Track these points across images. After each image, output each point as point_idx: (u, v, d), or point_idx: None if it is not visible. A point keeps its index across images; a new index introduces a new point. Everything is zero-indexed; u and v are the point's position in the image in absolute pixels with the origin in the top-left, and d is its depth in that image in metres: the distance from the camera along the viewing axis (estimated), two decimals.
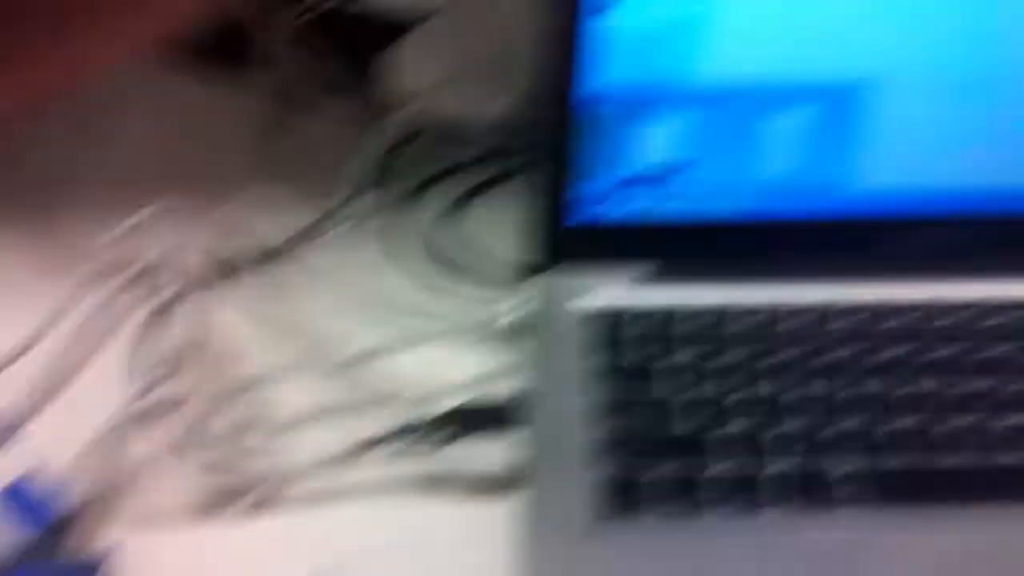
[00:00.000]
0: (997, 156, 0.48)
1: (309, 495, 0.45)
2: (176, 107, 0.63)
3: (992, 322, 0.47)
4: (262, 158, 0.62)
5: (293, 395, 0.48)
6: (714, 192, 0.49)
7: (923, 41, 0.46)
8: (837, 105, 0.47)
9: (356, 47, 0.64)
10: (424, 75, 0.61)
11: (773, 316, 0.48)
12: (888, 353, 0.46)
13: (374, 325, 0.52)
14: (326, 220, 0.56)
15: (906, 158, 0.48)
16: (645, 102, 0.47)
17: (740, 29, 0.46)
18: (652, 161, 0.48)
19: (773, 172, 0.49)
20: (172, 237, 0.53)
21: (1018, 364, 0.46)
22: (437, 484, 0.45)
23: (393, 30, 0.65)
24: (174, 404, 0.47)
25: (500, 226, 0.55)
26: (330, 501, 0.45)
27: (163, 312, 0.52)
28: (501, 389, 0.47)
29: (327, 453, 0.46)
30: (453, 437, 0.45)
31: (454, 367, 0.49)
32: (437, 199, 0.59)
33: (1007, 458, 0.42)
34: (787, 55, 0.46)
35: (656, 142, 0.48)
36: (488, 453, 0.44)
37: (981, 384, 0.45)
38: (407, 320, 0.52)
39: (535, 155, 0.48)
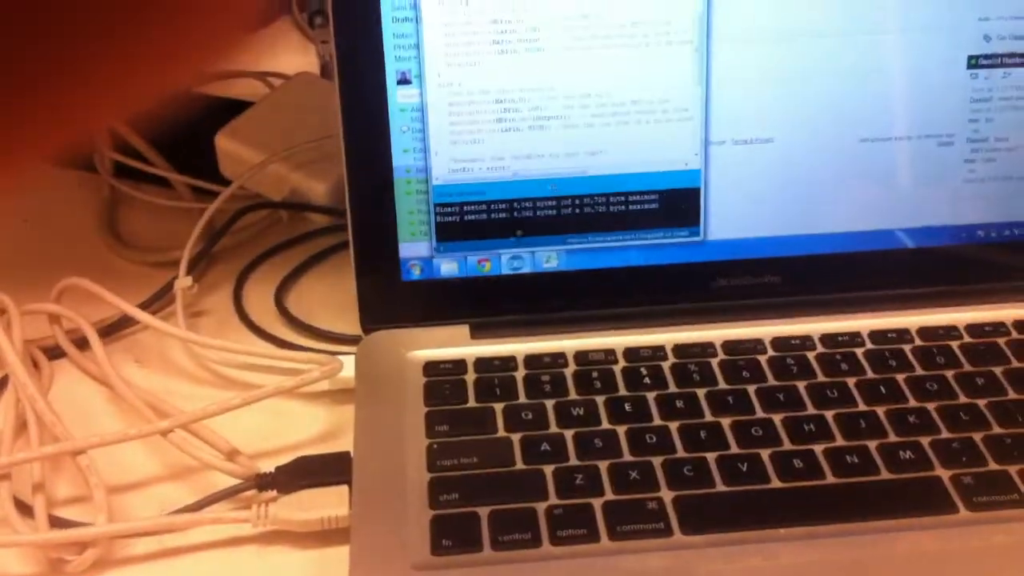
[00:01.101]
0: (800, 207, 0.53)
1: (149, 553, 0.45)
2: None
3: (816, 352, 0.50)
4: (104, 230, 0.63)
5: (133, 455, 0.48)
6: (538, 246, 0.52)
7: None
8: (635, 163, 0.51)
9: (195, 124, 0.66)
10: (262, 149, 0.63)
11: (606, 358, 0.50)
12: (718, 386, 0.48)
13: (218, 383, 0.53)
14: (167, 290, 0.57)
15: (729, 213, 0.52)
16: (455, 169, 0.50)
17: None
18: (473, 222, 0.51)
19: (587, 230, 0.52)
20: (13, 306, 0.53)
21: (841, 393, 0.48)
22: (278, 536, 0.45)
23: (230, 108, 0.67)
24: (8, 471, 0.46)
25: (341, 287, 0.57)
26: (170, 558, 0.44)
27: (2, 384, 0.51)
28: (341, 442, 0.48)
29: (167, 510, 0.45)
30: (294, 489, 0.46)
31: (295, 422, 0.50)
32: (280, 266, 0.60)
33: (831, 479, 0.44)
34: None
35: (472, 206, 0.51)
36: (329, 503, 0.45)
37: (805, 412, 0.47)
38: (250, 378, 0.53)
39: (359, 223, 0.50)
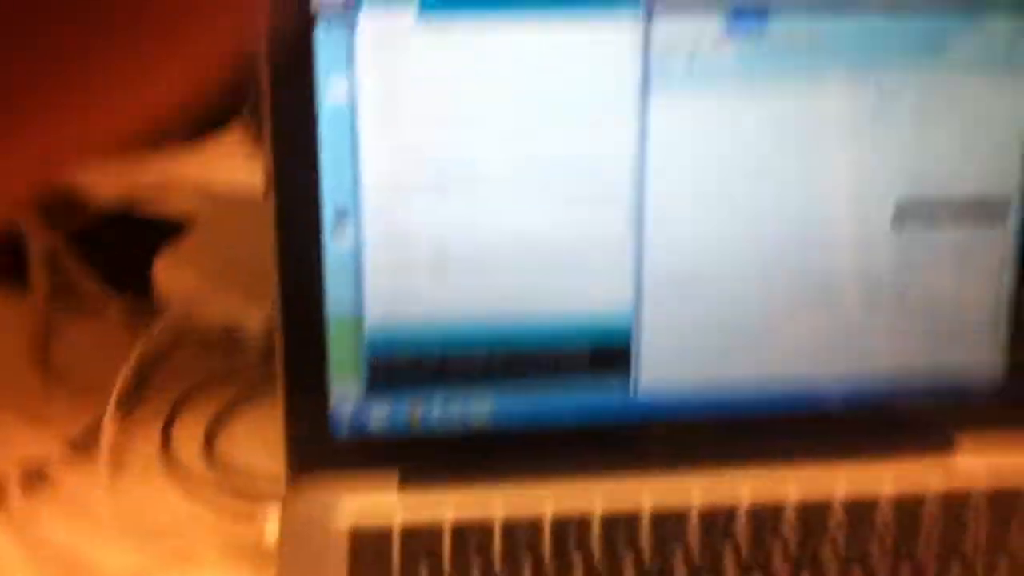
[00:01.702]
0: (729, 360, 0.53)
1: None
2: None
3: (742, 521, 0.51)
4: (34, 357, 0.62)
5: None
6: (468, 402, 0.52)
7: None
8: (567, 307, 0.51)
9: (130, 250, 0.66)
10: (196, 279, 0.62)
11: (533, 525, 0.50)
12: (643, 559, 0.48)
13: (142, 536, 0.52)
14: (96, 430, 0.56)
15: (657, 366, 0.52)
16: (390, 317, 0.50)
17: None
18: (406, 374, 0.51)
19: (518, 391, 0.52)
20: None
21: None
22: None
23: (166, 234, 0.66)
24: None
25: (270, 429, 0.57)
26: None
27: None
28: None
29: None
30: None
31: None
32: (213, 400, 0.60)
33: None
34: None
35: (406, 356, 0.51)
36: None
37: None
38: (172, 536, 0.52)
39: (290, 362, 0.50)
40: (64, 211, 0.66)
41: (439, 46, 0.47)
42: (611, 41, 0.48)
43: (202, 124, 0.76)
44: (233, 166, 0.78)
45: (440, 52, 0.47)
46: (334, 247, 0.49)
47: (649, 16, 0.48)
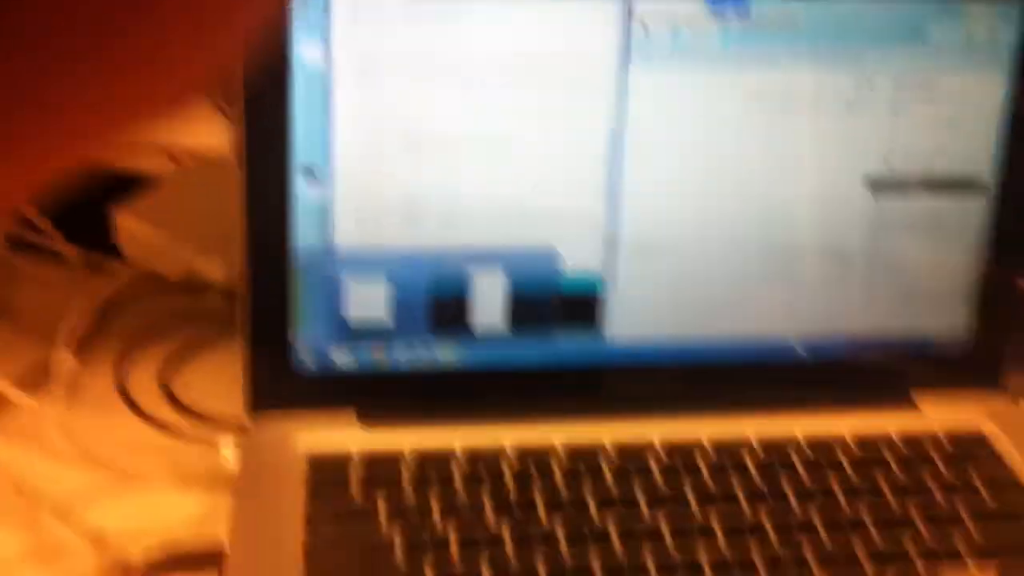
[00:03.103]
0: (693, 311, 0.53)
1: None
2: None
3: (706, 458, 0.50)
4: None
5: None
6: (431, 340, 0.51)
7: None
8: (539, 264, 0.51)
9: (92, 196, 0.65)
10: (163, 228, 0.62)
11: (495, 457, 0.49)
12: (607, 489, 0.48)
13: (93, 466, 0.51)
14: (52, 361, 0.55)
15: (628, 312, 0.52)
16: (357, 262, 0.50)
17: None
18: (370, 311, 0.50)
19: (483, 326, 0.52)
20: None
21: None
22: None
23: (131, 182, 0.66)
24: None
25: (230, 371, 0.56)
26: None
27: None
28: (218, 533, 0.47)
29: None
30: None
31: (170, 510, 0.48)
32: (169, 347, 0.59)
33: None
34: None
35: (371, 300, 0.50)
36: None
37: (694, 523, 0.47)
38: (127, 462, 0.51)
39: (253, 308, 0.49)
40: None
41: (416, 8, 0.47)
42: (593, 11, 0.48)
43: None
44: (198, 128, 0.78)
45: (417, 14, 0.47)
46: (302, 198, 0.48)
47: None
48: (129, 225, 0.63)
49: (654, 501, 0.48)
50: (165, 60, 0.17)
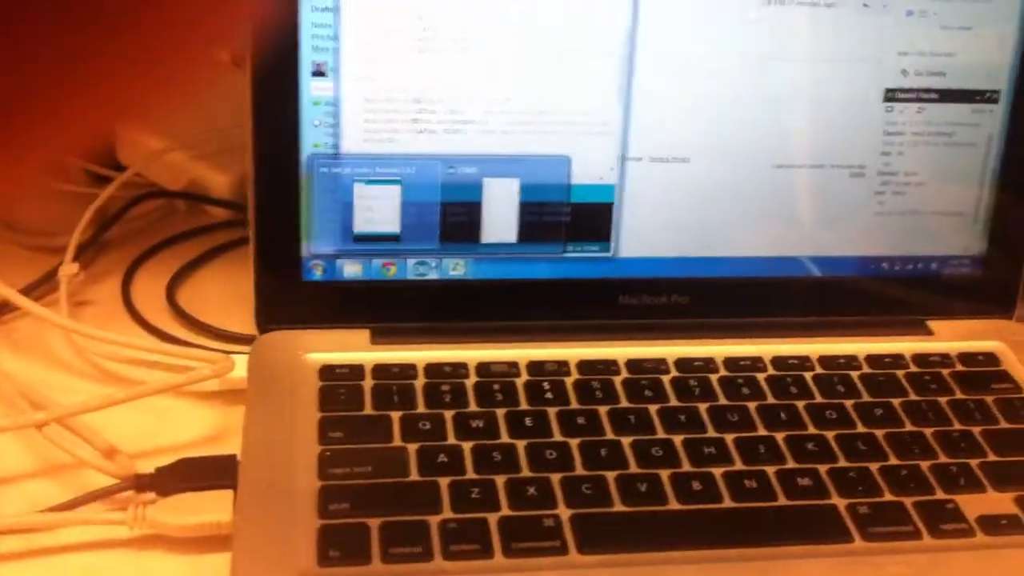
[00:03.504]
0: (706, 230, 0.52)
1: (16, 552, 0.42)
2: None
3: (719, 375, 0.50)
4: None
5: (3, 447, 0.45)
6: (441, 251, 0.51)
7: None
8: (552, 174, 0.50)
9: None
10: (163, 137, 0.60)
11: (508, 370, 0.49)
12: (622, 405, 0.47)
13: (100, 377, 0.50)
14: (52, 276, 0.54)
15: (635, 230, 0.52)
16: (367, 168, 0.49)
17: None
18: (380, 219, 0.50)
19: (494, 236, 0.51)
20: None
21: (742, 416, 0.48)
22: (155, 541, 0.43)
23: None
24: None
25: (236, 285, 0.55)
26: (39, 558, 0.42)
27: None
28: (229, 445, 0.46)
29: (38, 508, 0.43)
30: (174, 492, 0.43)
31: (180, 422, 0.48)
32: (174, 260, 0.58)
33: (729, 503, 0.43)
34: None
35: (382, 208, 0.49)
36: (212, 508, 0.43)
37: (705, 435, 0.46)
38: (135, 373, 0.50)
39: (262, 218, 0.48)
40: None
41: None
42: None
43: None
44: None
45: None
46: (311, 99, 0.47)
47: None
48: (129, 134, 0.62)
49: (668, 420, 0.47)
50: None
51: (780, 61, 0.50)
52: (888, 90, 0.51)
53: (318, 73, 0.47)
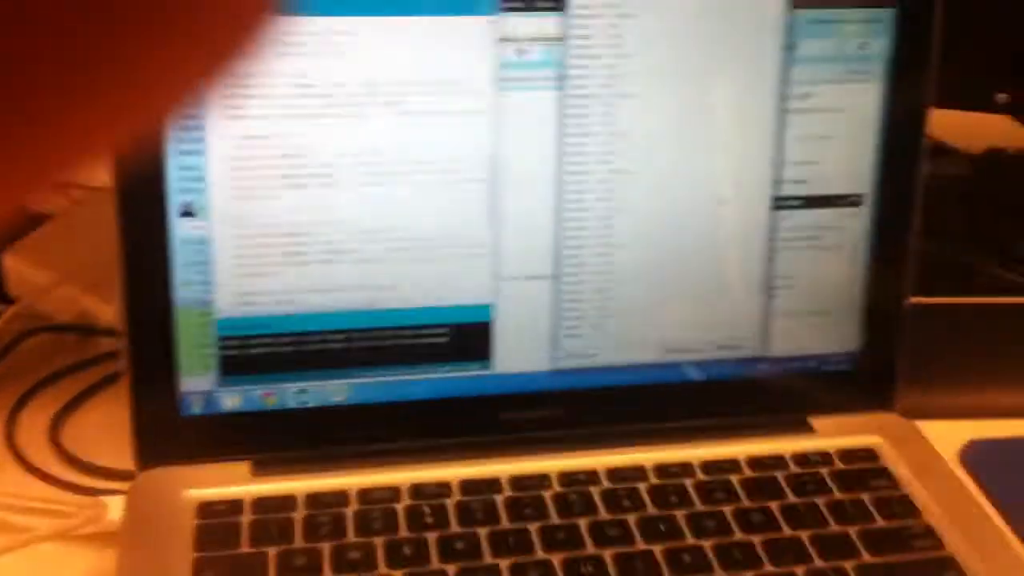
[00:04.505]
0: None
1: None
2: None
3: (600, 488, 0.50)
4: None
5: None
6: (326, 380, 0.51)
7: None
8: (428, 297, 0.51)
9: None
10: (53, 269, 0.61)
11: (390, 495, 0.49)
12: (501, 526, 0.48)
13: None
14: None
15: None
16: (242, 304, 0.49)
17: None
18: (256, 351, 0.50)
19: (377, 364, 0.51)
20: None
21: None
22: None
23: (21, 228, 0.64)
24: None
25: (122, 418, 0.55)
26: None
27: None
28: None
29: None
30: None
31: (59, 568, 0.47)
32: (60, 394, 0.58)
33: None
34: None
35: (259, 344, 0.50)
36: None
37: (584, 552, 0.47)
38: (16, 519, 0.50)
39: (137, 355, 0.49)
40: None
41: (290, 40, 0.47)
42: (465, 36, 0.48)
43: None
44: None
45: (292, 44, 0.47)
46: (181, 238, 0.48)
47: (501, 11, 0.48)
48: (18, 265, 0.62)
49: (548, 538, 0.48)
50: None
51: (650, 171, 0.51)
52: (762, 195, 0.53)
53: (187, 213, 0.48)
